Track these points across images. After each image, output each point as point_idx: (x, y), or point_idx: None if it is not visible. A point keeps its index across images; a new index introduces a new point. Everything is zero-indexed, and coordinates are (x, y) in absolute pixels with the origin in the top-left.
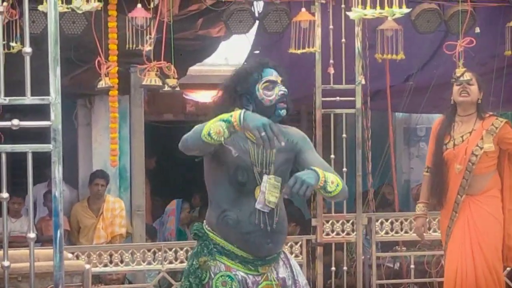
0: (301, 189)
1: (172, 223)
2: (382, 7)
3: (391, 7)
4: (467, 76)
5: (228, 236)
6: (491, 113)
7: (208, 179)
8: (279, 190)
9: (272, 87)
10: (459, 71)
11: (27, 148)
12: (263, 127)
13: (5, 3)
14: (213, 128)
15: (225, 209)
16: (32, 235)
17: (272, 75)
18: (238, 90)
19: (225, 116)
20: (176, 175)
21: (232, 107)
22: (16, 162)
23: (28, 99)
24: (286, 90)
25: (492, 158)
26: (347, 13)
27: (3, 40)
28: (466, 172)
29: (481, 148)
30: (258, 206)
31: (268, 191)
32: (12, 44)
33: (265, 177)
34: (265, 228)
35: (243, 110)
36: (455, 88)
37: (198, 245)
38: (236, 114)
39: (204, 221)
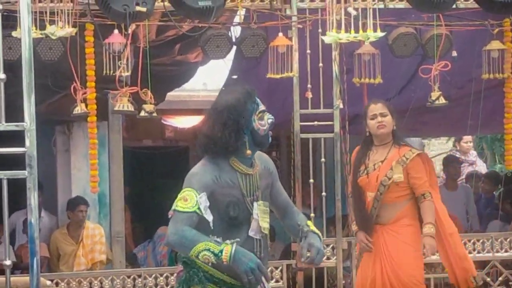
0: (319, 258)
1: (165, 247)
2: (356, 31)
3: (366, 31)
4: (379, 108)
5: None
6: (406, 143)
7: None
8: (268, 215)
9: (263, 116)
10: (434, 94)
11: (2, 175)
12: (251, 271)
13: None
14: (202, 255)
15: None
16: (8, 262)
17: (260, 103)
18: (242, 124)
19: (213, 247)
20: (157, 200)
21: (236, 144)
22: None
23: (2, 125)
24: (273, 117)
25: (403, 188)
26: (322, 37)
27: None
28: (374, 200)
29: (390, 179)
30: (251, 233)
31: (261, 218)
32: None
33: (255, 205)
34: (259, 254)
35: (234, 248)
36: (371, 122)
37: (186, 272)
38: (226, 252)
39: None
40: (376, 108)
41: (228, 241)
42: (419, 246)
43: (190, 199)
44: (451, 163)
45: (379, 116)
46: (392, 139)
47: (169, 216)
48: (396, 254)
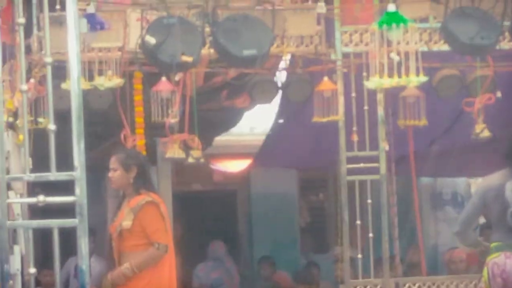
0: None
1: None
2: (399, 75)
3: (409, 75)
4: (111, 163)
5: None
6: (145, 191)
7: None
8: None
9: None
10: (478, 127)
11: (53, 223)
12: None
13: (32, 80)
14: None
15: None
16: None
17: None
18: None
19: None
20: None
21: None
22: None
23: (53, 175)
24: None
25: (139, 236)
26: (365, 82)
27: (32, 116)
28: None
29: (121, 225)
30: None
31: None
32: (40, 119)
33: None
34: None
35: None
36: None
37: None
38: None
39: None
40: (111, 162)
41: None
42: None
43: None
44: None
45: (111, 170)
46: (133, 190)
47: None
48: None
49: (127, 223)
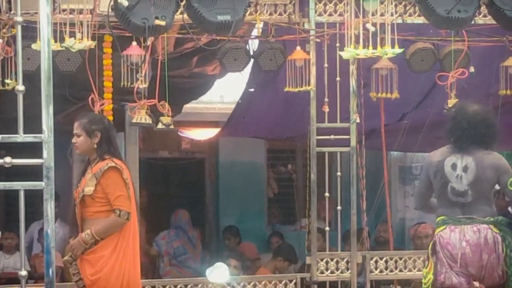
0: None
1: None
2: (374, 47)
3: (384, 46)
4: (74, 128)
5: None
6: (109, 156)
7: None
8: None
9: None
10: (451, 102)
11: (19, 185)
12: None
13: (0, 41)
14: None
15: None
16: (23, 272)
17: None
18: None
19: None
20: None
21: None
22: (11, 198)
23: (21, 137)
24: None
25: (101, 203)
26: (340, 53)
27: None
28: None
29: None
30: None
31: None
32: (7, 81)
33: None
34: None
35: None
36: None
37: None
38: None
39: None
40: (74, 127)
41: None
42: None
43: None
44: None
45: (75, 136)
46: (97, 155)
47: None
48: None
49: (89, 188)
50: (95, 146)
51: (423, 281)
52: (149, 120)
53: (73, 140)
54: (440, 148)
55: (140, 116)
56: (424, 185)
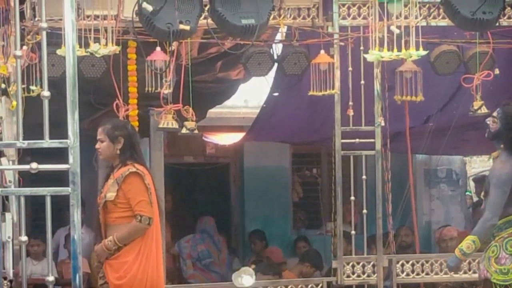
0: None
1: None
2: (399, 49)
3: (408, 49)
4: (98, 134)
5: None
6: (132, 162)
7: None
8: None
9: None
10: (476, 104)
11: (45, 191)
12: None
13: (24, 47)
14: None
15: None
16: (51, 278)
17: None
18: None
19: None
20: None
21: None
22: (38, 204)
23: (46, 143)
24: None
25: (123, 208)
26: (364, 55)
27: (23, 84)
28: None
29: (105, 197)
30: None
31: None
32: (32, 87)
33: None
34: None
35: None
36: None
37: None
38: None
39: None
40: (98, 133)
41: None
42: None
43: None
44: (480, 182)
45: (98, 142)
46: (119, 160)
47: None
48: None
49: (110, 194)
50: (118, 152)
51: (504, 277)
52: (175, 125)
53: (97, 146)
54: (505, 160)
55: (166, 121)
56: (506, 197)
